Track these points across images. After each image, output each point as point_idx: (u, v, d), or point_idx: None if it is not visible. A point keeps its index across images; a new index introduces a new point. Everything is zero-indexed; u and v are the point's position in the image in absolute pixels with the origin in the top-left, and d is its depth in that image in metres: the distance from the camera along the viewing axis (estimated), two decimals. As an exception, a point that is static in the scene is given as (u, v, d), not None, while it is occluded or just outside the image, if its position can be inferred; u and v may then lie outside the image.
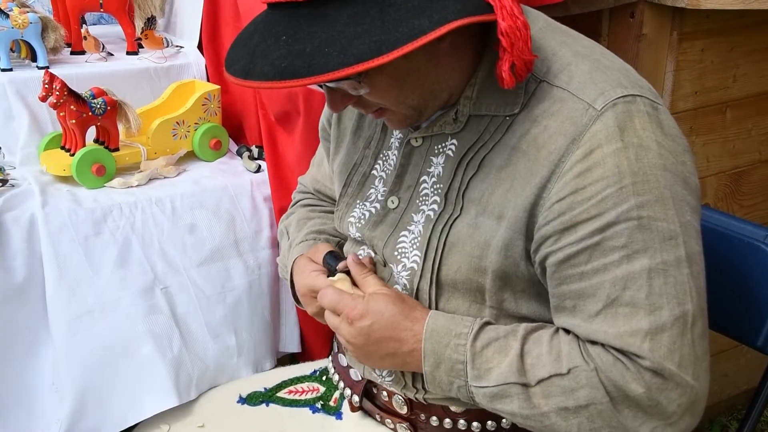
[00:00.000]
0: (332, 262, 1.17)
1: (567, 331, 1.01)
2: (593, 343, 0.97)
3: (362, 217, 1.17)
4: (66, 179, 1.64)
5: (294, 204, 1.45)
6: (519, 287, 1.03)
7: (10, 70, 1.75)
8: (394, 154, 1.14)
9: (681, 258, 0.94)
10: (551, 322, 1.03)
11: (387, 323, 1.04)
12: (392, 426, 1.21)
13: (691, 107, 1.88)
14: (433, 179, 1.08)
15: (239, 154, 1.83)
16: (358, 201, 1.18)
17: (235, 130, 1.93)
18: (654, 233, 0.93)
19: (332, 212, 1.35)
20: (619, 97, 0.95)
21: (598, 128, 0.94)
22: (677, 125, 1.00)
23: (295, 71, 0.86)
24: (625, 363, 0.94)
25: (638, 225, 0.93)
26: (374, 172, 1.17)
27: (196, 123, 1.78)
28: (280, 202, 1.67)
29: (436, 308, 1.08)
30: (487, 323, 1.04)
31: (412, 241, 1.08)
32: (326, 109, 1.29)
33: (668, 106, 1.85)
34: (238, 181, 1.69)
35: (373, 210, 1.16)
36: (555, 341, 1.01)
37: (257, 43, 0.91)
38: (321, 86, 0.99)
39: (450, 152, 1.06)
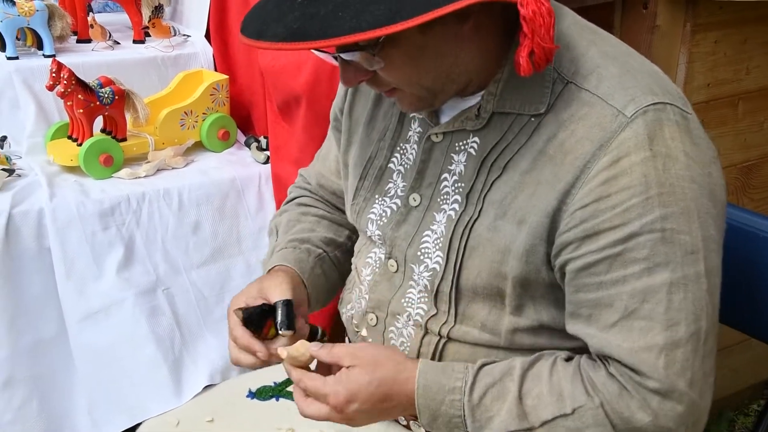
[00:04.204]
0: (255, 321, 1.05)
1: (568, 359, 1.00)
2: (603, 359, 0.96)
3: (383, 214, 1.14)
4: (73, 169, 1.62)
5: (288, 201, 1.40)
6: (539, 293, 1.02)
7: (17, 58, 1.73)
8: (413, 149, 1.12)
9: (701, 273, 0.92)
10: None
11: (376, 398, 1.01)
12: (405, 423, 1.21)
13: (703, 99, 1.86)
14: (455, 177, 1.05)
15: (247, 144, 1.81)
16: (376, 196, 1.15)
17: (243, 121, 1.91)
18: (676, 246, 0.91)
19: (325, 216, 1.32)
20: (649, 105, 0.92)
21: (628, 135, 0.91)
22: (706, 134, 0.98)
23: (306, 33, 0.84)
24: (630, 391, 0.93)
25: (662, 237, 0.91)
26: (391, 165, 1.14)
27: (204, 113, 1.77)
28: (280, 195, 1.67)
29: (456, 313, 1.07)
30: (482, 366, 1.01)
31: (435, 242, 1.06)
32: (338, 99, 1.27)
33: (680, 99, 1.84)
34: (246, 172, 1.69)
35: (394, 207, 1.13)
36: (555, 377, 0.99)
37: (273, 6, 0.88)
38: (336, 58, 0.96)
39: (472, 150, 1.04)
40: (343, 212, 1.31)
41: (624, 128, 0.91)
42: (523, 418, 0.97)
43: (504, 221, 0.99)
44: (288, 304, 1.07)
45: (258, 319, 1.05)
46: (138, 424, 1.41)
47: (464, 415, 0.99)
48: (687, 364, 0.92)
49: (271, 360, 1.08)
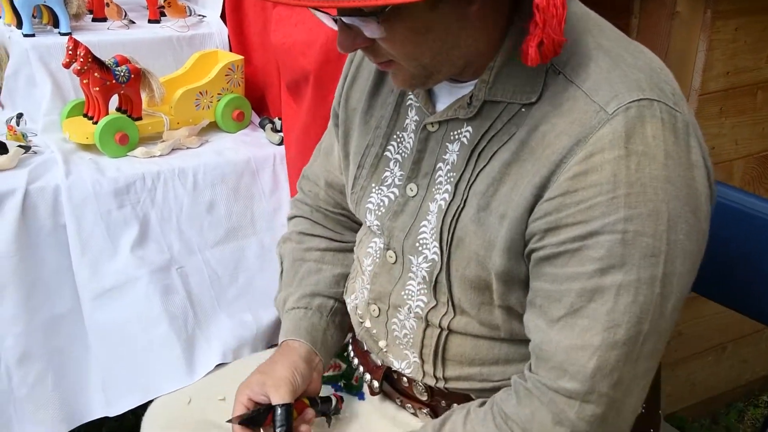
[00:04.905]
0: (255, 421, 1.15)
1: (481, 405, 1.02)
2: (529, 368, 0.98)
3: (381, 204, 1.14)
4: (88, 147, 1.63)
5: (290, 219, 1.40)
6: (524, 290, 1.01)
7: (33, 35, 1.73)
8: (410, 137, 1.11)
9: (656, 277, 0.91)
10: None
11: None
12: (413, 411, 1.21)
13: (721, 88, 1.85)
14: (448, 167, 1.05)
15: (262, 125, 1.81)
16: (373, 185, 1.15)
17: (257, 102, 1.91)
18: (635, 249, 0.90)
19: (329, 247, 1.34)
20: (633, 101, 0.90)
21: (605, 132, 0.89)
22: (699, 135, 0.95)
23: None
24: (545, 405, 0.95)
25: (622, 239, 0.89)
26: (387, 153, 1.14)
27: (219, 93, 1.77)
28: (294, 176, 1.66)
29: (453, 304, 1.07)
30: None
31: (431, 232, 1.06)
32: (336, 93, 1.26)
33: (698, 87, 1.82)
34: (261, 153, 1.68)
35: (391, 196, 1.12)
36: (469, 426, 1.01)
37: None
38: (336, 21, 0.95)
39: (465, 140, 1.03)
40: (352, 216, 1.30)
41: (603, 125, 0.90)
42: None
43: (487, 214, 0.98)
44: (287, 408, 1.15)
45: (257, 420, 1.16)
46: (150, 401, 1.42)
47: None
48: (618, 366, 0.92)
49: None
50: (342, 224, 1.35)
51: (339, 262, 1.32)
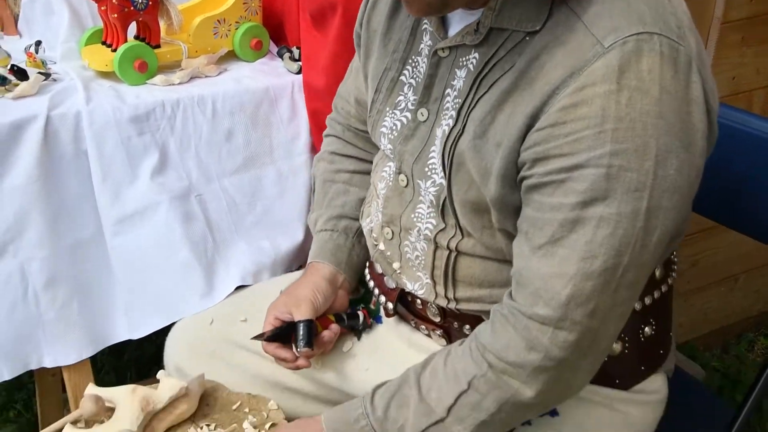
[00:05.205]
0: (280, 338, 1.23)
1: (461, 343, 1.05)
2: (517, 287, 0.99)
3: (394, 127, 1.16)
4: (107, 75, 1.63)
5: (325, 137, 1.45)
6: (518, 216, 1.02)
7: (49, -38, 1.72)
8: (424, 62, 1.12)
9: (639, 211, 0.92)
10: None
11: None
12: (427, 332, 1.24)
13: (744, 16, 1.82)
14: (455, 93, 1.06)
15: (280, 55, 1.81)
16: (388, 108, 1.17)
17: (275, 30, 1.90)
18: (619, 183, 0.90)
19: (356, 170, 1.38)
20: (632, 35, 0.89)
21: (598, 66, 0.89)
22: (704, 70, 0.95)
23: None
24: (520, 332, 0.97)
25: (606, 174, 0.90)
26: (402, 78, 1.15)
27: (236, 22, 1.76)
28: (312, 105, 1.67)
29: (459, 229, 1.09)
30: (376, 389, 1.09)
31: (438, 157, 1.08)
32: (359, 15, 1.26)
33: (720, 16, 1.79)
34: (279, 82, 1.68)
35: (404, 120, 1.14)
36: (449, 364, 1.03)
37: None
38: None
39: (471, 66, 1.03)
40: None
41: (598, 59, 0.89)
42: (430, 413, 1.02)
43: (483, 142, 0.99)
44: (308, 323, 1.22)
45: (282, 337, 1.24)
46: (172, 325, 1.46)
47: None
48: (593, 296, 0.93)
49: (299, 364, 1.24)
50: (372, 143, 1.37)
51: (367, 185, 1.35)
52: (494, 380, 0.99)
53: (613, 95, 0.89)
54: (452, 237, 1.10)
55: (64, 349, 1.49)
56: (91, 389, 1.22)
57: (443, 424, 1.02)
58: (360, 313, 1.32)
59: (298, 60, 1.77)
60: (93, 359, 1.53)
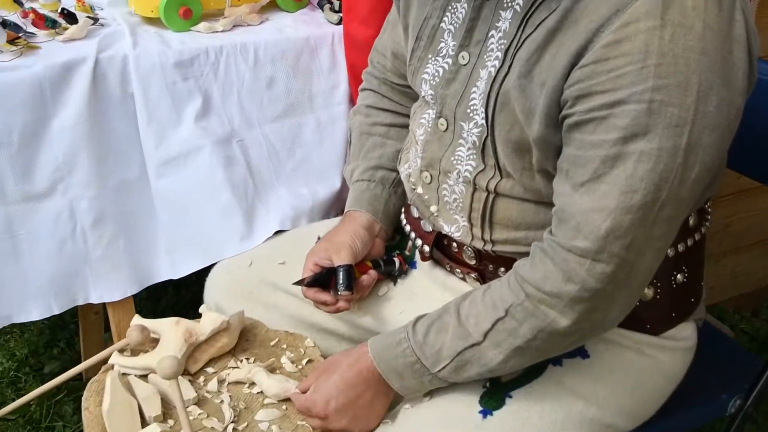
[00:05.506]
0: (320, 283, 1.27)
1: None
2: (558, 223, 1.01)
3: (435, 74, 1.18)
4: (153, 21, 1.66)
5: (361, 90, 1.47)
6: (559, 157, 1.04)
7: None
8: (463, 7, 1.13)
9: (680, 146, 0.93)
10: None
11: (346, 389, 1.14)
12: (461, 276, 1.27)
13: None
14: (500, 34, 1.07)
15: (320, 6, 1.82)
16: (429, 55, 1.19)
17: (316, -19, 1.91)
18: (660, 118, 0.91)
19: (394, 123, 1.40)
20: None
21: (642, 2, 0.90)
22: (748, 10, 0.95)
23: None
24: (558, 264, 0.99)
25: (648, 108, 0.91)
26: (443, 24, 1.17)
27: (279, -29, 1.78)
28: (352, 56, 1.69)
29: (499, 170, 1.11)
30: (419, 318, 1.13)
31: (480, 98, 1.09)
32: None
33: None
34: (319, 31, 1.70)
35: (446, 66, 1.16)
36: (488, 294, 1.07)
37: None
38: None
39: (518, 7, 1.05)
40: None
41: None
42: (467, 336, 1.06)
43: (528, 81, 1.01)
44: (348, 268, 1.26)
45: (321, 282, 1.27)
46: (212, 266, 1.51)
47: (418, 357, 1.09)
48: (632, 229, 0.95)
49: (340, 307, 1.28)
50: (408, 96, 1.39)
51: (403, 137, 1.37)
52: (531, 309, 1.02)
53: (657, 31, 0.90)
54: (491, 178, 1.12)
55: (109, 287, 1.54)
56: (137, 320, 1.27)
57: (479, 348, 1.06)
58: (396, 259, 1.36)
59: (339, 11, 1.78)
60: (132, 303, 1.58)
